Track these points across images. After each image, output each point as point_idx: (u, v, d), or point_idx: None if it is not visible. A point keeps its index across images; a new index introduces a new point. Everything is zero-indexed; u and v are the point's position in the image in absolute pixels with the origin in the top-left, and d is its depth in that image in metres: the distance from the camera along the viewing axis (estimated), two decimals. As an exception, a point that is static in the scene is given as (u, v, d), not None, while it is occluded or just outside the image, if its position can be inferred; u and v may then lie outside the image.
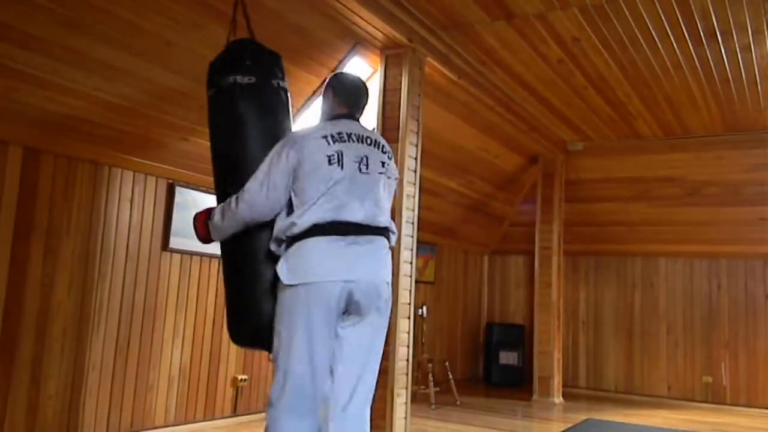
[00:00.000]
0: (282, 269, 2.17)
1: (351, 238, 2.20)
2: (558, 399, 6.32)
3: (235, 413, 4.49)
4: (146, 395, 3.90)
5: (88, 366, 3.58)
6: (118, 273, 3.76)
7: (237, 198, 2.22)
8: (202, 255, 4.23)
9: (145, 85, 3.45)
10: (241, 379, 4.52)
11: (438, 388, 5.86)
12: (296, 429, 2.15)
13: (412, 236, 3.80)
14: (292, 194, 2.21)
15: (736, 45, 4.05)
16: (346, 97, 2.43)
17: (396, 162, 2.67)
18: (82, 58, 3.13)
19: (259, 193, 2.19)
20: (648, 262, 7.22)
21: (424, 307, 6.16)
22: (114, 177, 3.73)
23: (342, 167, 2.22)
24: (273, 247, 2.25)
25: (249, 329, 2.37)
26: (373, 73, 4.35)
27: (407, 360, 3.70)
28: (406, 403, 3.71)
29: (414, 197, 3.83)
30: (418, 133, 3.93)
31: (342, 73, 2.64)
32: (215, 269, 4.35)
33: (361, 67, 4.34)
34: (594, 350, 7.38)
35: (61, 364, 3.44)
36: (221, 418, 4.38)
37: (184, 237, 4.06)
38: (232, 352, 4.48)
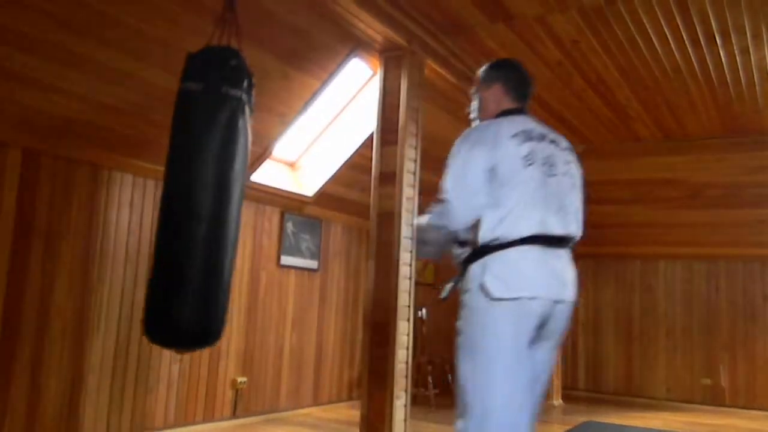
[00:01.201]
0: (490, 281, 1.87)
1: (552, 251, 1.94)
2: (557, 401, 6.32)
3: (234, 415, 4.49)
4: (146, 397, 3.90)
5: (88, 367, 3.59)
6: (118, 275, 3.76)
7: (436, 213, 2.03)
8: (201, 257, 4.23)
9: (145, 88, 3.45)
10: (241, 382, 4.52)
11: (437, 391, 5.86)
12: None
13: (411, 238, 3.80)
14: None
15: (735, 48, 4.06)
16: (518, 89, 2.16)
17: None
18: (82, 61, 3.13)
19: (460, 203, 1.98)
20: (647, 264, 7.23)
21: (424, 309, 6.16)
22: (113, 180, 3.74)
23: (537, 169, 1.96)
24: (457, 252, 2.04)
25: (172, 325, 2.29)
26: (373, 76, 4.37)
27: (407, 362, 3.70)
28: (405, 406, 3.71)
29: (413, 199, 3.83)
30: (417, 135, 3.94)
31: (506, 60, 2.30)
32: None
33: (361, 69, 4.35)
34: (593, 352, 7.37)
35: (61, 365, 3.44)
36: (220, 420, 4.38)
37: (184, 239, 4.05)
38: (232, 354, 4.48)
